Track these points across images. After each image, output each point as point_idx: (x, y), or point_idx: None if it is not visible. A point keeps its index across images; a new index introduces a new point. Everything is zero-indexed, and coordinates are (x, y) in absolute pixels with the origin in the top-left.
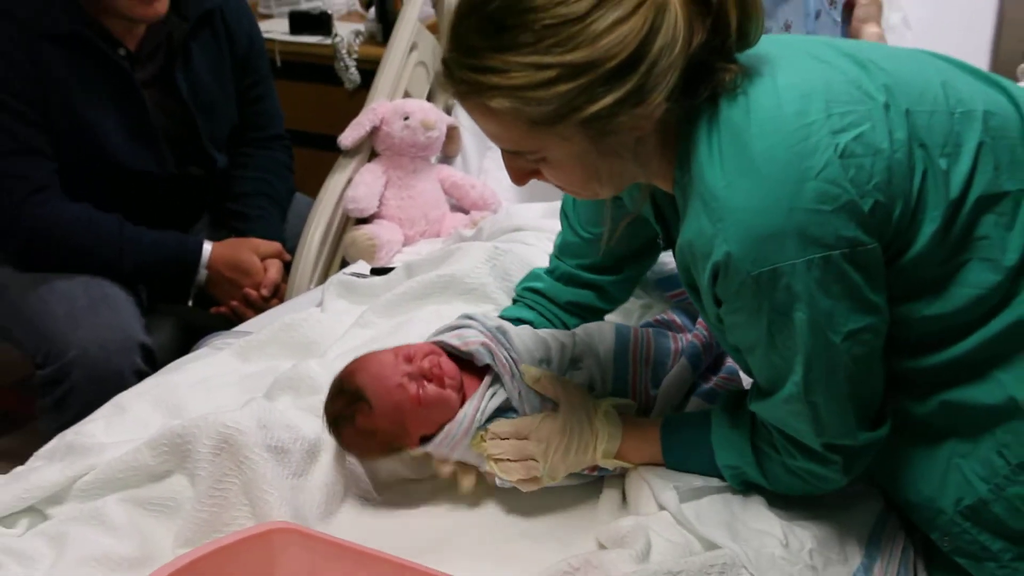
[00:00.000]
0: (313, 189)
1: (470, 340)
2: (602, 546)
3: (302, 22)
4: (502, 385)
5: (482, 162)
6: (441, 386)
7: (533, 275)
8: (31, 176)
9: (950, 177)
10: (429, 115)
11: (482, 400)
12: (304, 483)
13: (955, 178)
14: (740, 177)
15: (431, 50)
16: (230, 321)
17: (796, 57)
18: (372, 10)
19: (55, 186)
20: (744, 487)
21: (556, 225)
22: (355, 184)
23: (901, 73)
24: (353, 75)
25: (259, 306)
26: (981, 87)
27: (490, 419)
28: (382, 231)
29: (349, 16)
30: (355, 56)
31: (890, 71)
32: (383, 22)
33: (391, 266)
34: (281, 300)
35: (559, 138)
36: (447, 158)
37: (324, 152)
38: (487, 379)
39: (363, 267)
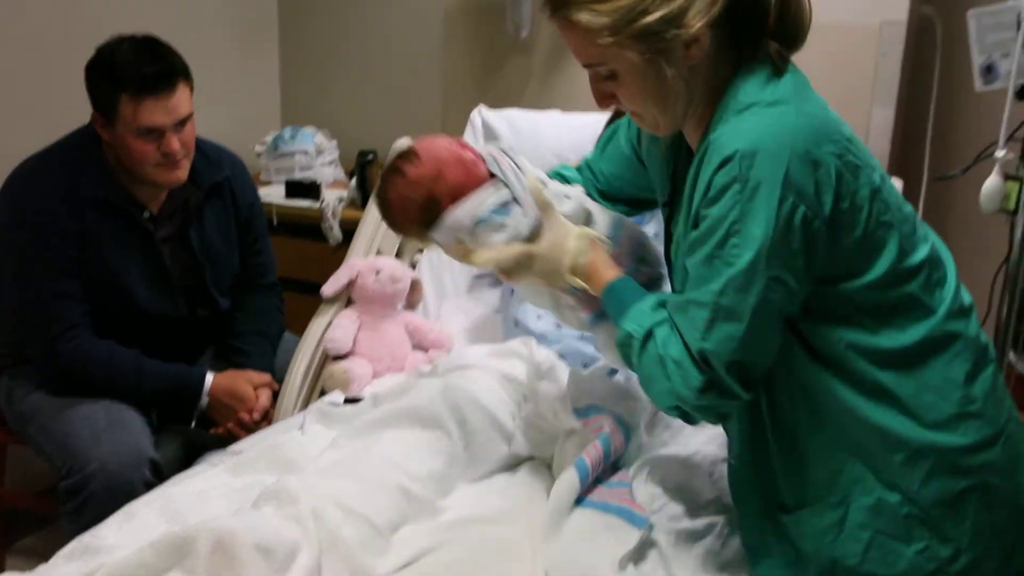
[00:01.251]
0: (299, 328)
1: (489, 150)
2: None
3: (296, 189)
4: (507, 185)
5: (439, 310)
6: (475, 156)
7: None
8: (65, 316)
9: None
10: (397, 271)
11: (482, 199)
12: None
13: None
14: (784, 107)
15: None
16: (226, 440)
17: None
18: (354, 180)
19: (85, 325)
20: (622, 357)
21: (500, 364)
22: (334, 327)
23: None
24: (336, 233)
25: (251, 428)
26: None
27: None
28: (355, 366)
29: (335, 184)
30: (338, 218)
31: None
32: (361, 190)
33: (361, 396)
34: (270, 423)
35: (620, 49)
36: (410, 306)
37: (309, 297)
38: (493, 180)
39: (338, 396)
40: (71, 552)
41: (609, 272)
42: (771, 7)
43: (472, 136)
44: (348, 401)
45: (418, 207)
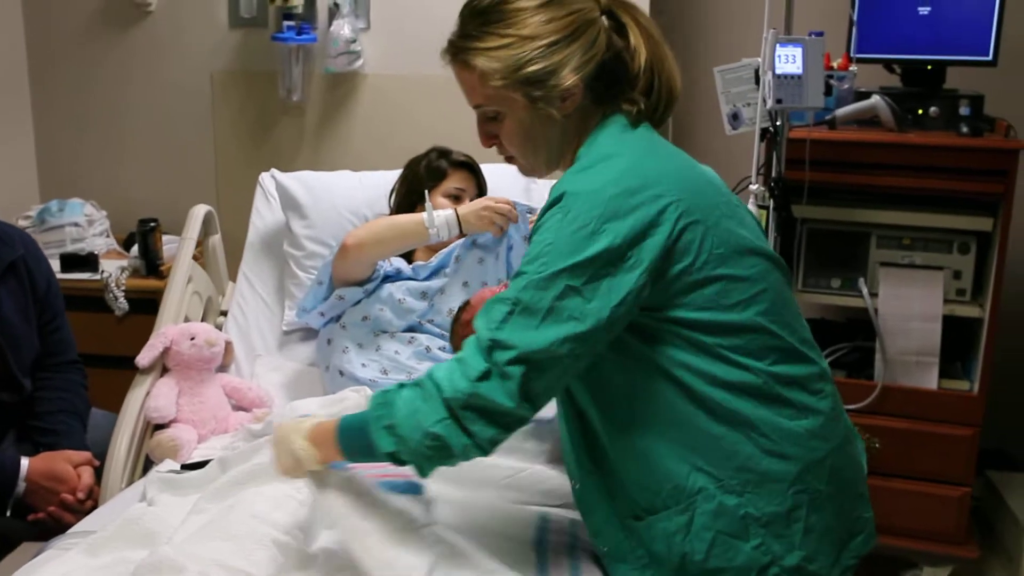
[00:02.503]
0: (97, 402)
1: None
2: None
3: (72, 261)
4: None
5: (252, 368)
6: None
7: None
8: None
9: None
10: (211, 335)
11: None
12: None
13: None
14: (619, 159)
15: (204, 281)
16: (47, 527)
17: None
18: (135, 248)
19: None
20: (392, 444)
21: (334, 411)
22: (154, 396)
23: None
24: (122, 303)
25: (76, 509)
26: None
27: None
28: (181, 433)
29: (110, 254)
30: (123, 287)
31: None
32: (145, 259)
33: (197, 460)
34: (95, 502)
35: (507, 91)
36: (224, 367)
37: (98, 368)
38: None
39: (173, 465)
40: None
41: (329, 428)
42: (640, 72)
43: (264, 199)
44: (186, 467)
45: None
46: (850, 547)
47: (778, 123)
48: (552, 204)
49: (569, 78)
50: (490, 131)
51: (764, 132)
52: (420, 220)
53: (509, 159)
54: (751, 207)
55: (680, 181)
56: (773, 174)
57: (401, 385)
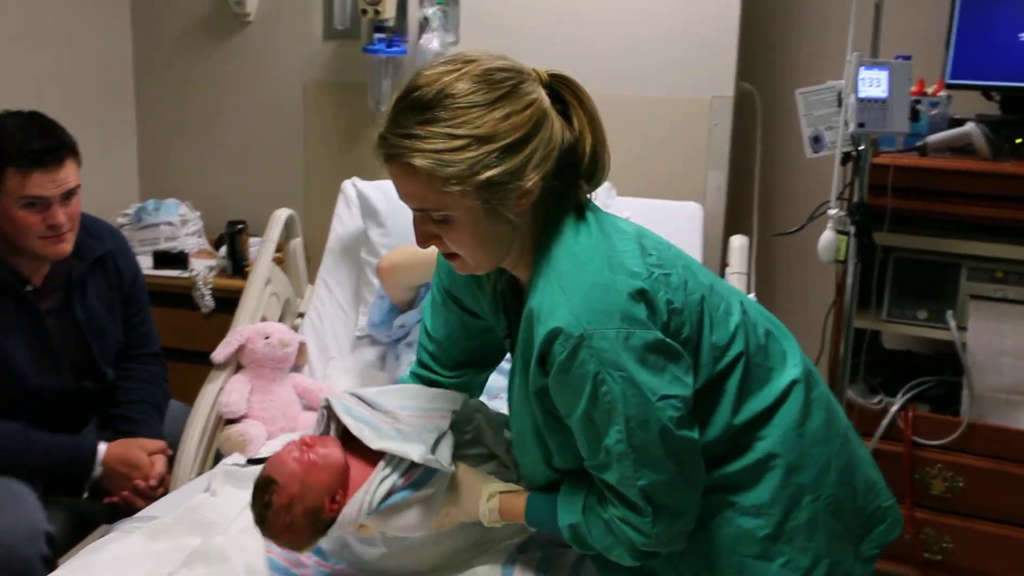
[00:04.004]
0: (178, 395)
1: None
2: None
3: (164, 259)
4: (394, 470)
5: (325, 370)
6: (324, 446)
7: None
8: None
9: (720, 328)
10: (285, 335)
11: (370, 489)
12: None
13: (723, 331)
14: (591, 262)
15: (283, 283)
16: (119, 510)
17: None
18: (223, 249)
19: None
20: (579, 547)
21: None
22: (227, 391)
23: (695, 263)
24: (208, 301)
25: (148, 495)
26: (738, 293)
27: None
28: (250, 428)
29: (200, 253)
30: (210, 286)
31: (689, 257)
32: (232, 259)
33: (264, 456)
34: (166, 490)
35: (461, 198)
36: (297, 368)
37: (183, 364)
38: (380, 464)
39: (239, 459)
40: None
41: (518, 503)
42: (586, 153)
43: (345, 206)
44: (252, 462)
45: (304, 526)
46: (871, 537)
47: (861, 147)
48: (551, 340)
49: (531, 179)
50: (431, 232)
51: (846, 156)
52: None
53: (450, 256)
54: (828, 232)
55: (650, 251)
56: (855, 199)
57: (585, 504)
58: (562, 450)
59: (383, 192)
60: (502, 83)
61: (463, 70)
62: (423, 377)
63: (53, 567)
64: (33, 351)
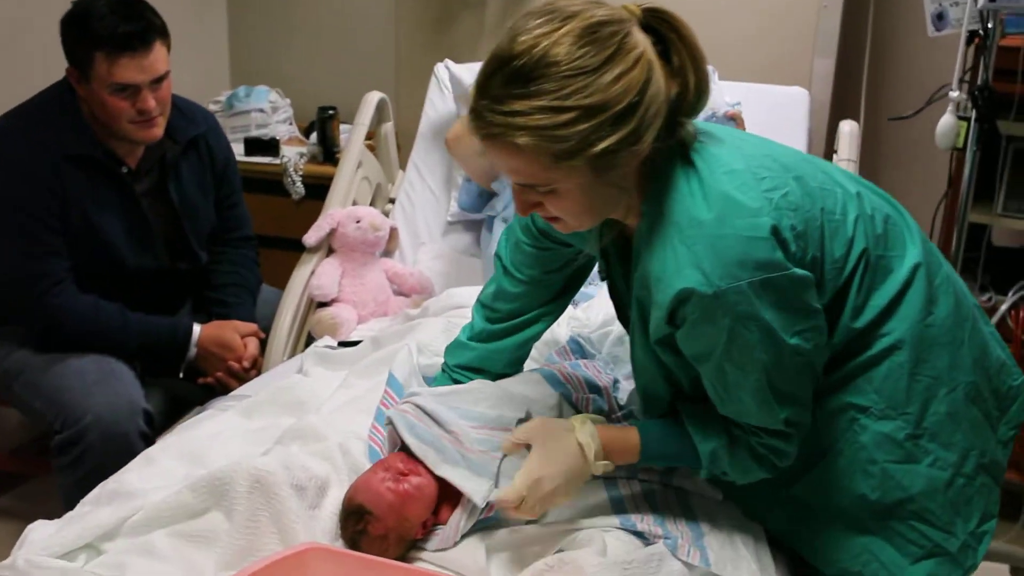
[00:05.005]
0: (268, 280)
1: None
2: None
3: (255, 146)
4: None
5: (415, 255)
6: (418, 474)
7: (458, 345)
8: (50, 273)
9: (840, 236)
10: (376, 219)
11: (461, 518)
12: (318, 513)
13: (842, 238)
14: (710, 212)
15: (374, 167)
16: (213, 390)
17: (728, 134)
18: (313, 136)
19: (69, 280)
20: (711, 473)
21: None
22: (318, 275)
23: (799, 160)
24: (299, 188)
25: (241, 376)
26: (849, 176)
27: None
28: (341, 312)
29: (291, 141)
30: (300, 173)
31: (791, 154)
32: (322, 145)
33: (354, 339)
34: (259, 371)
35: (571, 171)
36: (388, 253)
37: (273, 250)
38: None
39: (331, 341)
40: (97, 498)
41: (628, 437)
42: (690, 91)
43: (437, 89)
44: (343, 344)
45: (395, 550)
46: (1007, 419)
47: (990, 25)
48: (681, 301)
49: (646, 141)
50: (533, 201)
51: (971, 36)
52: None
53: (551, 219)
54: (948, 116)
55: (773, 165)
56: (978, 82)
57: (726, 433)
58: (697, 388)
59: (474, 74)
60: (608, 40)
61: (563, 29)
62: (488, 333)
63: (151, 443)
64: (130, 232)
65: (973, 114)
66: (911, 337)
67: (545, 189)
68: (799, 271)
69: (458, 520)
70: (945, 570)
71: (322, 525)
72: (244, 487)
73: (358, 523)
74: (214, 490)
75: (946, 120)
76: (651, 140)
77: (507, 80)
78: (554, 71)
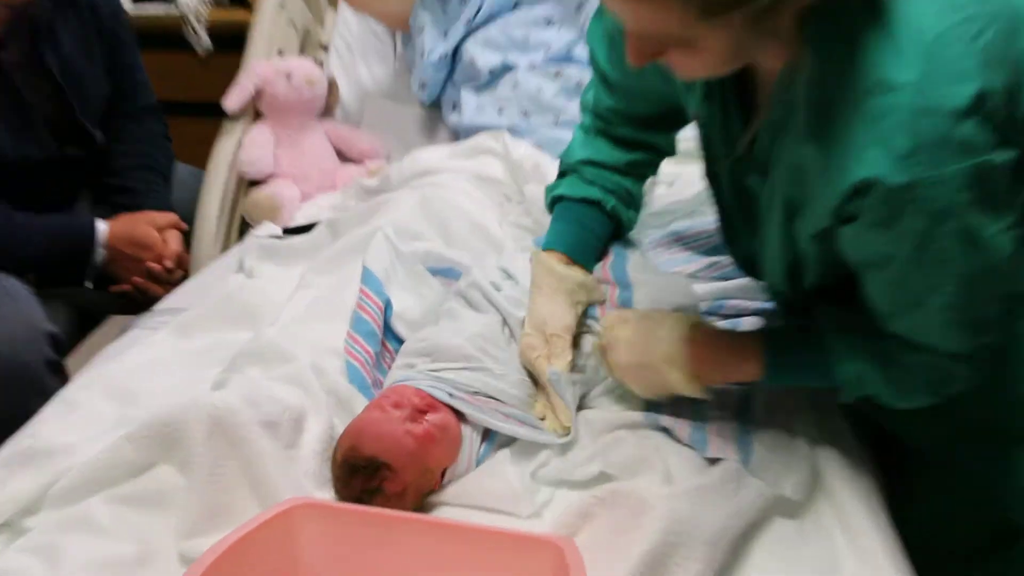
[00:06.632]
0: (181, 156)
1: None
2: (609, 476)
3: None
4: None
5: (362, 113)
6: (437, 411)
7: (580, 143)
8: None
9: None
10: (310, 72)
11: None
12: (296, 454)
13: None
14: (910, 73)
15: (299, 8)
16: (132, 300)
17: None
18: None
19: None
20: (851, 395)
21: (465, 165)
22: (247, 146)
23: None
24: (204, 40)
25: (164, 279)
26: None
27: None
28: (281, 189)
29: None
30: (204, 21)
31: None
32: None
33: (304, 224)
34: (186, 272)
35: (723, 25)
36: (328, 111)
37: (179, 118)
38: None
39: (274, 228)
40: (8, 460)
41: (746, 348)
42: None
43: None
44: (288, 232)
45: (417, 501)
46: None
47: None
48: (860, 190)
49: None
50: (653, 51)
51: None
52: None
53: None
54: None
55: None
56: None
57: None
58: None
59: None
60: None
61: None
62: (637, 162)
63: (60, 371)
64: (4, 115)
65: None
66: None
67: (679, 44)
68: (1007, 152)
69: (469, 436)
70: None
71: (303, 467)
72: (201, 432)
73: (370, 480)
74: (162, 438)
75: None
76: None
77: None
78: None
